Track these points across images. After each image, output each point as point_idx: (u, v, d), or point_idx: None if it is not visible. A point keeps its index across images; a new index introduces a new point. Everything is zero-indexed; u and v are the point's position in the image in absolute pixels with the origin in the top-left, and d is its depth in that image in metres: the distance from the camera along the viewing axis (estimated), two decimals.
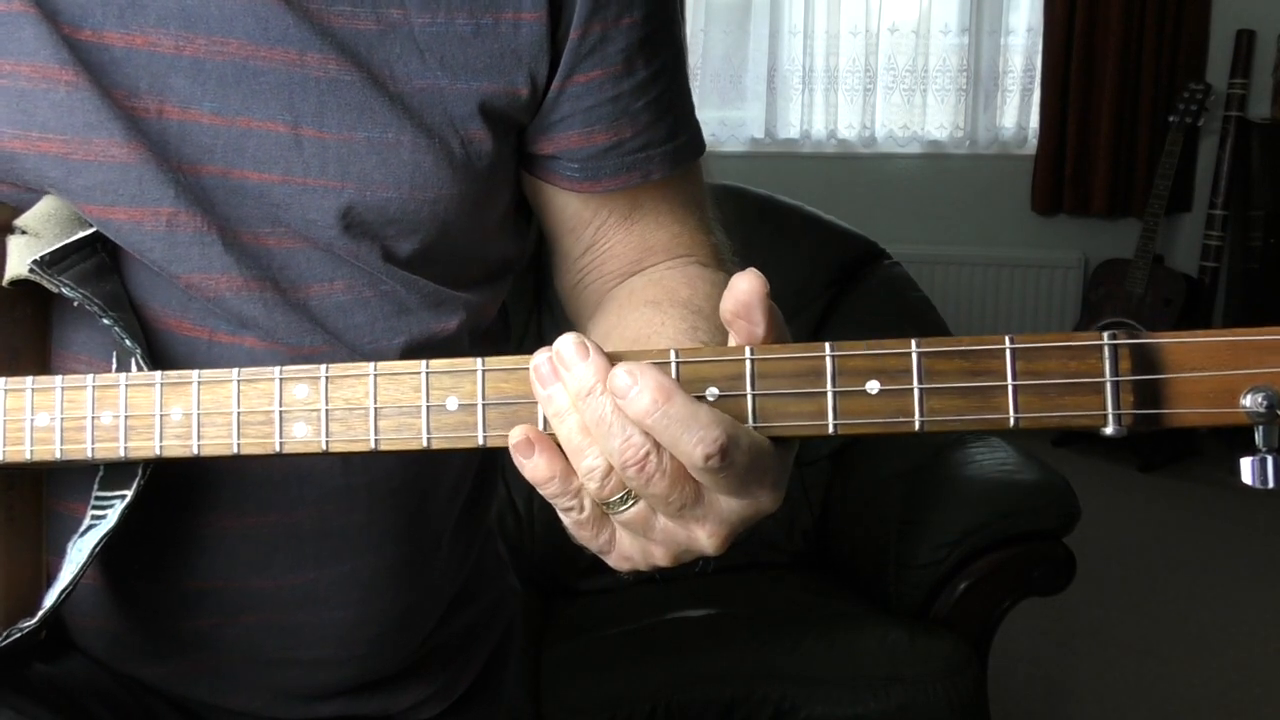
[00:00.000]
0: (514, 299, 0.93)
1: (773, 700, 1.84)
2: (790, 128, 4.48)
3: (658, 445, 0.54)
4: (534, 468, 0.56)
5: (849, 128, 4.44)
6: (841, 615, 2.03)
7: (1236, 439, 0.53)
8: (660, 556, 0.59)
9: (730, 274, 0.81)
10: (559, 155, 0.81)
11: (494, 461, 0.97)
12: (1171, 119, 3.98)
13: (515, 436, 0.56)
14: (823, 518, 2.33)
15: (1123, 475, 3.89)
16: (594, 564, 2.22)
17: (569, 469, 0.56)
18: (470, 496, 0.92)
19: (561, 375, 0.55)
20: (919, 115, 4.40)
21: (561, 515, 0.59)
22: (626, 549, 0.59)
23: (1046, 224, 4.36)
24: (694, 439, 0.53)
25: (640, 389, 0.53)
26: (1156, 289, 3.93)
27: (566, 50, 0.76)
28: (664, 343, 0.71)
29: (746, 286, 0.54)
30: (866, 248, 2.52)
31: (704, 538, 0.58)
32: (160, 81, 0.70)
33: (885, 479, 2.20)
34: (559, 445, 0.56)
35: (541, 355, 0.55)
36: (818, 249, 2.48)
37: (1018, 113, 4.36)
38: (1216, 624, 2.98)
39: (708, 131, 4.44)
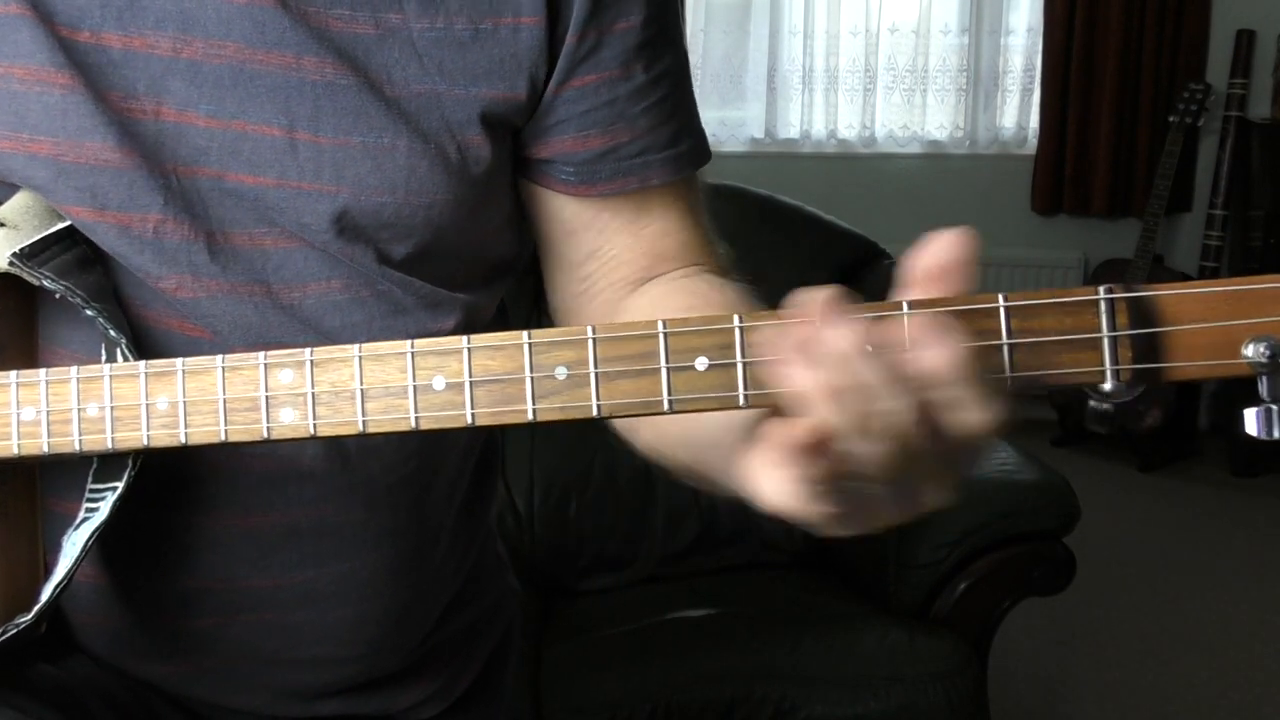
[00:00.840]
0: (513, 299, 0.93)
1: (773, 700, 1.84)
2: (790, 128, 4.48)
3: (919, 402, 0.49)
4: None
5: (849, 128, 4.43)
6: (841, 615, 2.03)
7: (1237, 438, 0.52)
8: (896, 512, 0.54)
9: (739, 286, 0.79)
10: (554, 159, 0.80)
11: (493, 459, 0.97)
12: (1171, 119, 3.98)
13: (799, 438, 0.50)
14: None
15: (1123, 475, 3.89)
16: (594, 564, 2.21)
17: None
18: (468, 494, 0.92)
19: (834, 324, 0.49)
20: (919, 115, 4.40)
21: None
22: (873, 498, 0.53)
23: (1046, 224, 4.36)
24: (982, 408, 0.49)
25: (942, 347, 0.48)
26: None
27: (562, 55, 0.76)
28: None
29: (951, 244, 0.51)
30: (866, 248, 2.52)
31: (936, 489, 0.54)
32: (158, 83, 0.70)
33: None
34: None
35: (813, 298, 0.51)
36: (818, 249, 2.48)
37: (1018, 113, 4.35)
38: (1216, 624, 2.98)
39: (708, 131, 4.46)
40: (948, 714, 1.83)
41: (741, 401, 0.54)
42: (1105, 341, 0.51)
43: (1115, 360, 0.51)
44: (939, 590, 1.99)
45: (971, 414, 0.49)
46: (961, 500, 1.87)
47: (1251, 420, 0.51)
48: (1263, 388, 0.50)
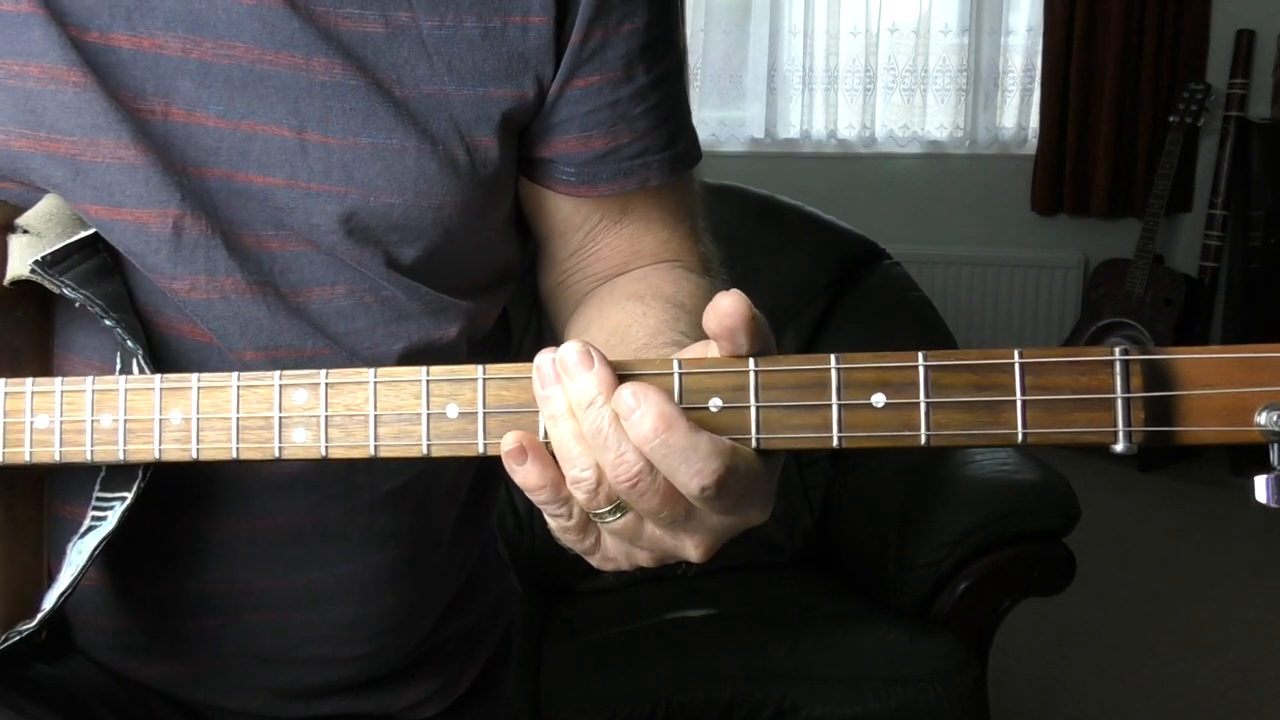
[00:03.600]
0: (514, 303, 0.93)
1: (773, 700, 1.84)
2: (790, 128, 4.48)
3: (652, 465, 0.53)
4: (525, 475, 0.56)
5: (849, 128, 4.43)
6: (841, 615, 2.03)
7: (1257, 497, 0.52)
8: (644, 559, 0.59)
9: (716, 281, 0.81)
10: (555, 159, 0.81)
11: (494, 464, 0.97)
12: (1171, 119, 3.98)
13: (508, 443, 0.56)
14: (823, 518, 2.33)
15: (1123, 475, 3.89)
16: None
17: (560, 478, 0.56)
18: (470, 497, 0.92)
19: (563, 381, 0.54)
20: (919, 115, 4.40)
21: (549, 519, 0.58)
22: (611, 552, 0.59)
23: (1046, 224, 4.35)
24: (691, 470, 0.52)
25: (643, 413, 0.52)
26: (1156, 289, 3.93)
27: (567, 54, 0.76)
28: (644, 332, 0.71)
29: (730, 309, 0.53)
30: (866, 248, 2.52)
31: (691, 547, 0.57)
32: (166, 84, 0.70)
33: (885, 479, 2.19)
34: (552, 453, 0.56)
35: (546, 355, 0.55)
36: (818, 249, 2.48)
37: (1018, 113, 4.35)
38: (1216, 624, 2.98)
39: (708, 131, 4.47)
40: (948, 714, 1.83)
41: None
42: (1119, 403, 0.50)
43: (1128, 422, 0.50)
44: (939, 590, 1.99)
45: (680, 475, 0.52)
46: (962, 500, 1.86)
47: (1261, 488, 0.51)
48: (1274, 456, 0.50)
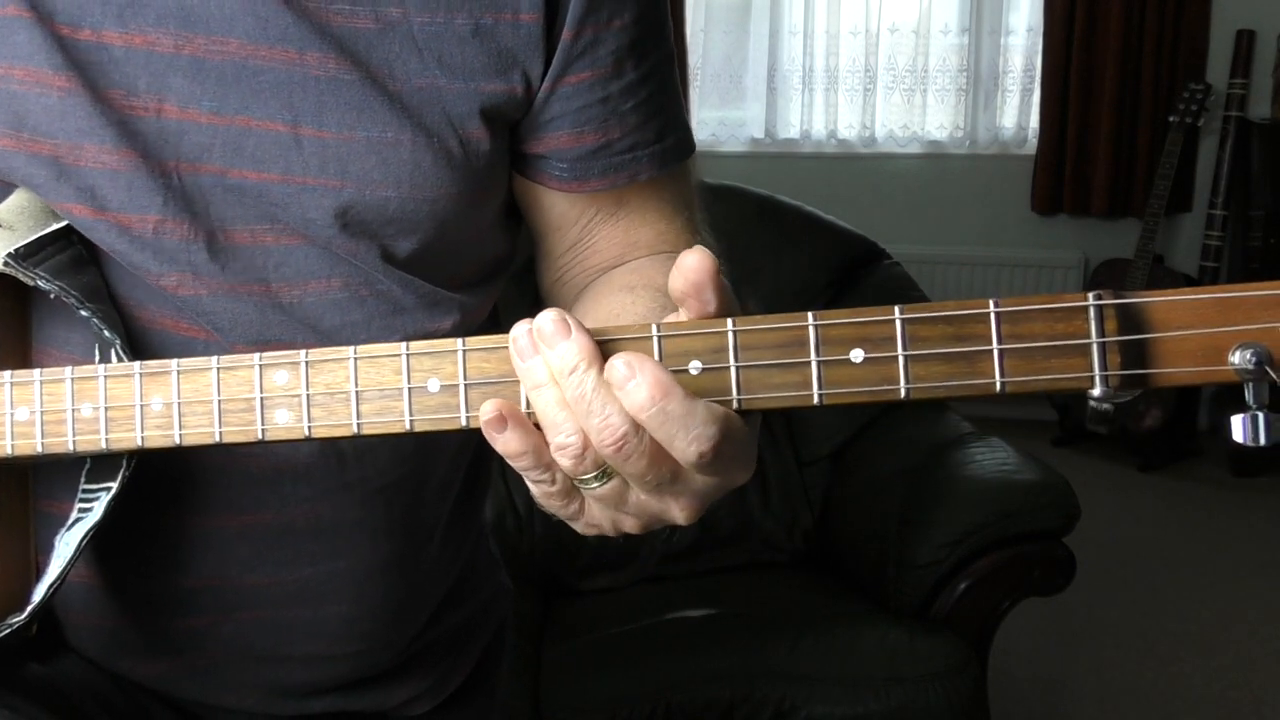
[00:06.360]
0: (514, 299, 0.93)
1: (773, 700, 1.84)
2: (790, 128, 4.48)
3: (637, 426, 0.53)
4: (506, 443, 0.56)
5: (849, 128, 4.43)
6: (841, 615, 2.03)
7: (1234, 436, 0.52)
8: (630, 526, 0.59)
9: None
10: (548, 155, 0.81)
11: (486, 457, 0.97)
12: (1171, 119, 3.98)
13: (486, 412, 0.55)
14: (823, 518, 2.33)
15: (1123, 475, 3.89)
16: (594, 564, 2.22)
17: (542, 444, 0.56)
18: (462, 492, 0.92)
19: (541, 350, 0.54)
20: (919, 115, 4.40)
21: (531, 486, 0.58)
22: (596, 518, 0.59)
23: (1046, 224, 4.35)
24: (690, 437, 0.53)
25: (639, 382, 0.52)
26: (1156, 289, 3.92)
27: (558, 51, 0.76)
28: (629, 321, 0.71)
29: (695, 264, 0.53)
30: (866, 248, 2.52)
31: (677, 510, 0.58)
32: (159, 81, 0.70)
33: (885, 479, 2.19)
34: (535, 422, 0.56)
35: (521, 328, 0.55)
36: (818, 249, 2.48)
37: (1018, 113, 4.35)
38: (1216, 624, 2.98)
39: (708, 131, 4.47)
40: (948, 714, 1.83)
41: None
42: (1094, 348, 0.51)
43: (1104, 366, 0.51)
44: (939, 590, 1.99)
45: (678, 441, 0.53)
46: (962, 500, 1.86)
47: (1238, 426, 0.51)
48: (1249, 394, 0.51)
